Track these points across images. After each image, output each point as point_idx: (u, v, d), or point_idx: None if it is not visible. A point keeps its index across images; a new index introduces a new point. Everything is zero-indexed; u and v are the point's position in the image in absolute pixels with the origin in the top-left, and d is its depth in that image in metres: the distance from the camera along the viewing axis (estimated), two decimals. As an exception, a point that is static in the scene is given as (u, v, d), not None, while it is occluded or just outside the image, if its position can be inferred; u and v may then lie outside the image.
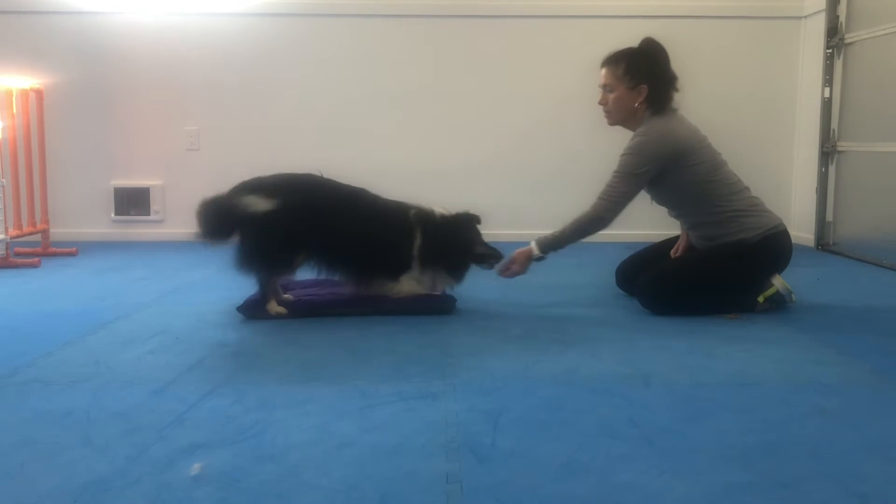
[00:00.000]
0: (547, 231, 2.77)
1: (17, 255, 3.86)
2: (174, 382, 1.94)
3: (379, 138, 4.71)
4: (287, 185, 2.70)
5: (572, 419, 1.70)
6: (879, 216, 3.95)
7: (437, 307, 2.74)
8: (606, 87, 2.78)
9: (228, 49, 4.64)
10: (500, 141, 4.73)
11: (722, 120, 4.65)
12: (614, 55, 2.77)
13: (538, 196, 4.72)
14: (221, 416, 1.71)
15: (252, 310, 2.66)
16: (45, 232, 4.13)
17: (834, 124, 4.35)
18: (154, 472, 1.42)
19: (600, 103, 2.83)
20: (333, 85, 4.68)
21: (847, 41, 4.24)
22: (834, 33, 4.31)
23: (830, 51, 4.34)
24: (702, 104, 4.74)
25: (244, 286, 2.75)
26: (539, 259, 2.78)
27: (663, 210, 2.93)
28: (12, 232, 3.80)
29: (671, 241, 3.07)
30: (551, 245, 2.75)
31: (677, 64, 2.82)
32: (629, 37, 2.85)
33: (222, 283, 3.29)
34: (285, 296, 2.81)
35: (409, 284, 2.77)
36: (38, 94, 4.16)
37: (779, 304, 2.76)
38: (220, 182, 4.90)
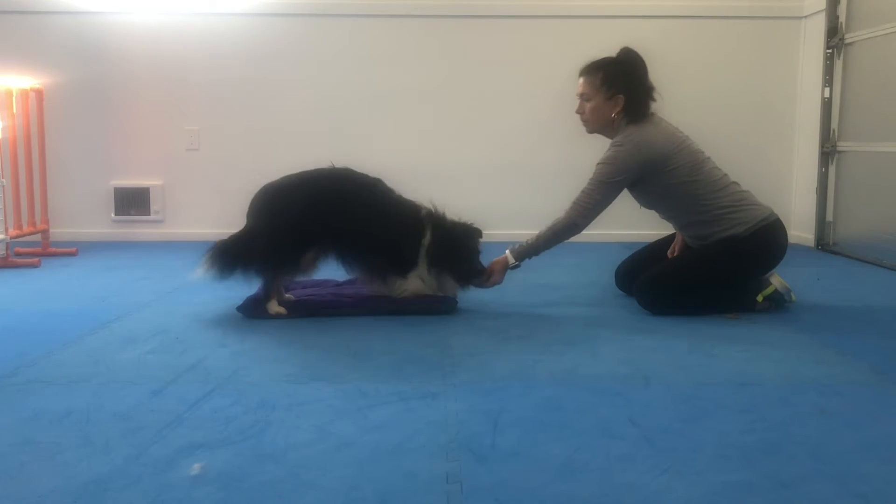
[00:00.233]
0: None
1: (17, 255, 3.86)
2: (174, 382, 1.94)
3: (379, 138, 4.71)
4: (299, 184, 2.72)
5: (572, 419, 1.70)
6: (879, 216, 3.96)
7: (438, 307, 2.74)
8: (584, 96, 2.80)
9: (228, 49, 4.64)
10: (500, 141, 4.73)
11: (722, 120, 4.67)
12: (592, 65, 2.79)
13: (539, 196, 4.71)
14: (221, 416, 1.71)
15: (252, 310, 2.66)
16: (45, 232, 4.14)
17: (834, 124, 4.35)
18: (154, 472, 1.42)
19: (577, 112, 2.85)
20: (333, 85, 4.68)
21: (847, 41, 4.24)
22: (834, 33, 4.31)
23: (830, 51, 4.34)
24: (702, 104, 4.77)
25: (243, 286, 2.75)
26: (514, 267, 2.80)
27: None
28: (12, 232, 3.80)
29: (669, 240, 3.07)
30: (526, 253, 2.79)
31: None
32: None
33: (222, 283, 3.29)
34: (286, 296, 2.81)
35: (415, 283, 2.77)
36: (38, 94, 4.16)
37: (778, 303, 2.76)
38: (220, 182, 4.93)
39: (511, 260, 2.79)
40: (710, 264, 2.71)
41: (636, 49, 2.80)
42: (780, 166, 4.77)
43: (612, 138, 2.79)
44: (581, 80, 2.81)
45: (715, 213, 2.69)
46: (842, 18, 4.28)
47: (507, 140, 4.73)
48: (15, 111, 3.92)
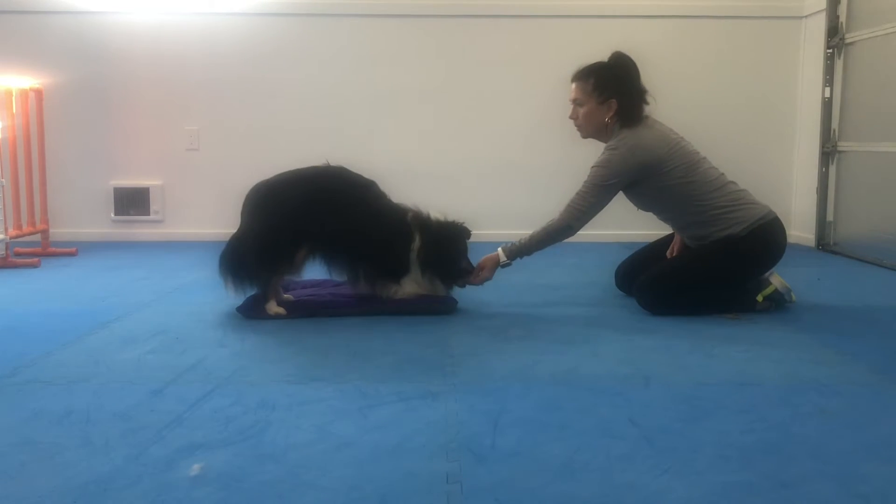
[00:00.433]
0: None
1: (17, 255, 3.86)
2: (174, 382, 1.94)
3: (379, 138, 4.71)
4: (292, 182, 2.71)
5: (572, 419, 1.70)
6: (879, 216, 3.95)
7: (437, 307, 2.74)
8: (577, 102, 2.81)
9: (228, 49, 4.64)
10: (499, 141, 4.73)
11: (722, 120, 4.67)
12: (584, 70, 2.79)
13: (538, 196, 4.71)
14: (221, 416, 1.71)
15: (252, 310, 2.66)
16: (44, 232, 4.13)
17: (834, 124, 4.35)
18: (154, 472, 1.42)
19: (571, 117, 2.85)
20: (333, 85, 4.68)
21: (847, 41, 4.24)
22: (834, 33, 4.30)
23: (831, 51, 4.33)
24: (702, 104, 4.77)
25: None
26: (505, 265, 2.80)
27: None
28: (12, 232, 3.81)
29: (669, 240, 3.07)
30: (518, 252, 2.78)
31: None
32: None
33: (222, 283, 3.29)
34: (285, 296, 2.81)
35: (411, 287, 2.77)
36: (38, 94, 4.16)
37: (778, 302, 2.76)
38: (220, 182, 4.93)
39: (502, 258, 2.79)
40: (710, 264, 2.71)
41: (633, 50, 2.80)
42: (780, 166, 4.77)
43: (606, 142, 2.79)
44: (573, 85, 2.81)
45: (711, 213, 2.69)
46: (842, 18, 4.27)
47: (506, 140, 4.73)
48: (15, 111, 3.92)
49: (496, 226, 4.29)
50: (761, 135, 4.75)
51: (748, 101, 4.73)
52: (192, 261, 3.86)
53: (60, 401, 1.80)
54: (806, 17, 4.61)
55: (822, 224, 4.43)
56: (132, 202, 4.74)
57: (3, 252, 3.64)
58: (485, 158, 4.74)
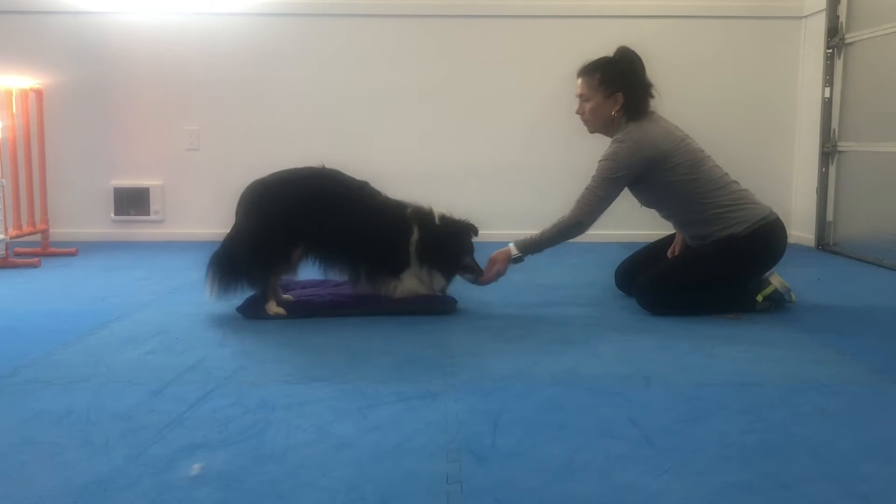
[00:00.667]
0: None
1: (17, 255, 3.86)
2: (174, 382, 1.94)
3: (378, 138, 4.71)
4: (287, 181, 2.71)
5: (572, 419, 1.70)
6: (879, 216, 3.95)
7: (437, 307, 2.74)
8: (583, 97, 2.81)
9: (228, 49, 4.64)
10: (499, 141, 4.73)
11: (722, 120, 4.67)
12: (589, 65, 2.80)
13: (538, 196, 4.72)
14: (221, 416, 1.71)
15: (252, 310, 2.66)
16: (44, 232, 4.13)
17: (834, 124, 4.35)
18: (154, 472, 1.42)
19: (577, 112, 2.86)
20: (333, 85, 4.68)
21: (847, 41, 4.24)
22: (834, 33, 4.31)
23: (830, 51, 4.33)
24: (702, 104, 4.76)
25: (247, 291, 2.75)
26: (517, 260, 2.79)
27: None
28: (12, 232, 3.81)
29: (669, 240, 3.07)
30: (530, 247, 2.78)
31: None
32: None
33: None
34: (285, 296, 2.81)
35: (411, 282, 2.77)
36: (38, 94, 4.16)
37: (778, 302, 2.75)
38: (220, 182, 4.93)
39: (514, 252, 2.77)
40: (710, 264, 2.71)
41: (635, 48, 2.80)
42: (780, 166, 4.77)
43: (611, 137, 2.80)
44: (579, 80, 2.82)
45: (714, 211, 2.70)
46: (842, 18, 4.28)
47: (506, 140, 4.73)
48: (15, 111, 3.92)
49: (496, 226, 4.28)
50: (761, 135, 4.75)
51: (748, 101, 4.73)
52: (192, 261, 3.85)
53: (60, 401, 1.80)
54: (806, 17, 4.61)
55: (821, 224, 4.43)
56: (132, 202, 4.74)
57: (3, 252, 3.64)
58: (485, 159, 4.73)
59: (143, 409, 1.75)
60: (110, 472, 1.42)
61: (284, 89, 4.69)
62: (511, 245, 2.79)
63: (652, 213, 2.92)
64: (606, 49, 2.83)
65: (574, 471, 1.43)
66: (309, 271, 2.86)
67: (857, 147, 4.18)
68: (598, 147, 2.85)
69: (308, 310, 2.70)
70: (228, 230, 2.78)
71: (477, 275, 2.80)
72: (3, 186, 3.66)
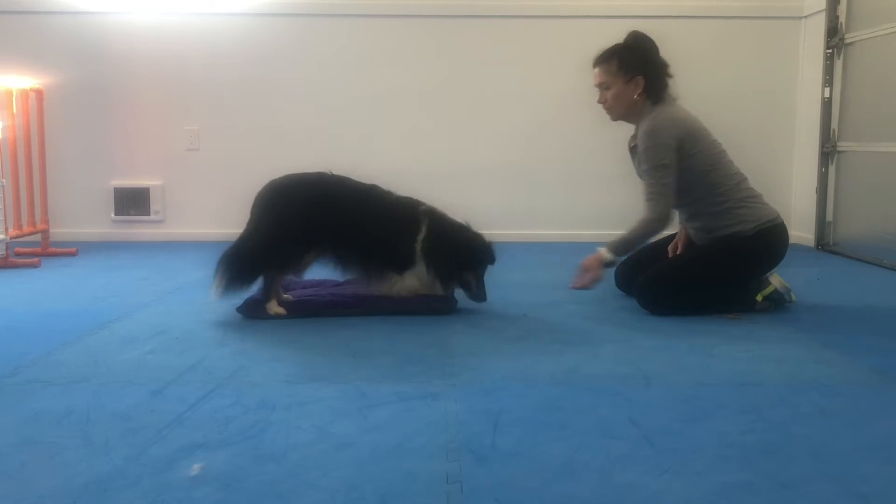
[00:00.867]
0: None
1: (17, 255, 3.86)
2: (174, 382, 1.94)
3: (378, 138, 4.71)
4: (302, 183, 2.74)
5: (572, 419, 1.70)
6: (879, 216, 3.95)
7: (437, 307, 2.74)
8: (603, 86, 2.81)
9: (228, 49, 4.64)
10: (500, 141, 4.73)
11: (722, 120, 4.61)
12: (605, 53, 2.80)
13: (539, 196, 4.72)
14: (221, 416, 1.71)
15: (252, 310, 2.66)
16: (45, 232, 4.13)
17: (834, 124, 4.35)
18: (154, 472, 1.42)
19: (599, 102, 2.85)
20: (334, 85, 4.68)
21: (847, 41, 4.24)
22: (834, 33, 4.31)
23: (830, 51, 4.34)
24: (702, 104, 4.71)
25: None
26: (611, 263, 2.74)
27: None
28: (12, 232, 3.80)
29: (669, 240, 3.07)
30: (622, 249, 2.74)
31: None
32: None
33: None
34: (285, 296, 2.81)
35: (411, 281, 2.76)
36: (38, 94, 4.16)
37: (778, 303, 2.76)
38: (220, 182, 4.93)
39: (607, 255, 2.72)
40: (711, 264, 2.71)
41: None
42: (780, 166, 4.77)
43: (636, 123, 2.80)
44: (596, 70, 2.81)
45: (726, 206, 2.70)
46: (842, 18, 4.28)
47: (505, 140, 4.73)
48: (15, 111, 3.92)
49: (495, 226, 4.28)
50: (761, 135, 4.75)
51: (748, 100, 4.73)
52: (192, 261, 3.86)
53: (60, 401, 1.80)
54: (806, 17, 4.61)
55: (821, 224, 4.43)
56: (132, 202, 4.74)
57: (4, 252, 3.64)
58: (484, 159, 4.73)
59: (143, 409, 1.75)
60: (110, 472, 1.42)
61: (284, 89, 4.69)
62: (602, 249, 2.73)
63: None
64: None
65: (574, 471, 1.43)
66: (313, 271, 2.86)
67: (857, 147, 4.18)
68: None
69: (308, 310, 2.70)
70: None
71: (476, 296, 2.76)
72: (3, 186, 3.66)
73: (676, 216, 2.98)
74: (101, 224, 4.74)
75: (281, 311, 2.66)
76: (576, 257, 3.93)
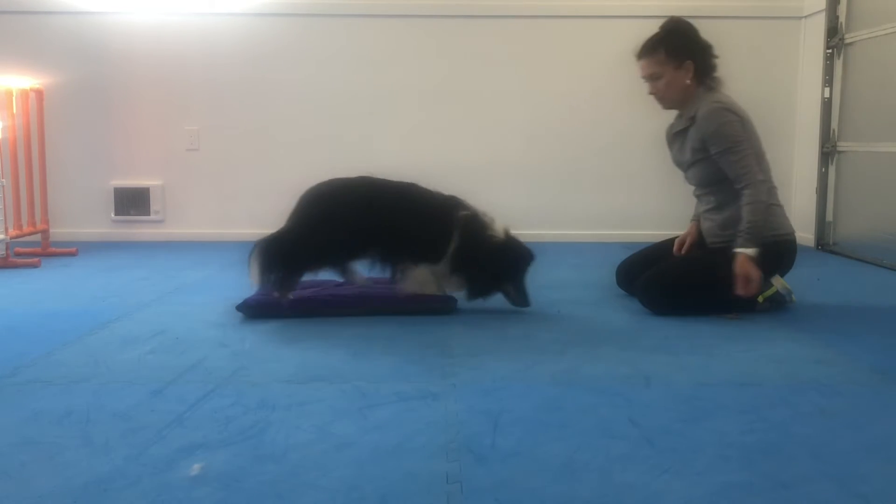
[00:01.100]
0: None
1: (17, 255, 3.86)
2: (174, 382, 1.94)
3: (378, 138, 4.71)
4: (345, 186, 2.79)
5: (572, 419, 1.70)
6: (879, 216, 3.96)
7: (437, 307, 2.74)
8: (653, 76, 2.80)
9: (228, 49, 4.64)
10: (501, 141, 4.73)
11: (722, 120, 4.67)
12: (649, 44, 2.80)
13: (539, 196, 4.72)
14: (221, 416, 1.71)
15: (252, 310, 2.66)
16: (45, 232, 4.13)
17: (834, 124, 4.35)
18: (154, 472, 1.42)
19: (650, 93, 2.84)
20: (334, 85, 4.68)
21: (847, 41, 4.24)
22: (834, 33, 4.31)
23: (830, 51, 4.34)
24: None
25: (244, 286, 2.75)
26: (755, 257, 2.62)
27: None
28: (12, 232, 3.80)
29: (672, 242, 3.06)
30: (757, 237, 2.60)
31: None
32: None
33: (222, 283, 3.30)
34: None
35: (425, 275, 2.73)
36: (38, 94, 4.16)
37: (778, 304, 2.76)
38: (220, 182, 4.92)
39: (752, 252, 2.59)
40: (717, 267, 2.70)
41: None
42: (780, 166, 4.72)
43: (685, 109, 2.80)
44: (642, 62, 2.81)
45: None
46: (842, 18, 4.28)
47: (505, 140, 4.72)
48: (15, 111, 3.92)
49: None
50: (761, 135, 4.73)
51: (748, 101, 4.63)
52: (192, 261, 3.86)
53: (60, 401, 1.80)
54: (805, 17, 4.61)
55: (821, 224, 4.43)
56: (132, 202, 4.74)
57: (4, 252, 3.64)
58: (484, 159, 4.73)
59: (143, 409, 1.75)
60: (110, 472, 1.42)
61: (284, 90, 4.69)
62: (743, 250, 2.59)
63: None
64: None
65: (574, 471, 1.43)
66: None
67: (857, 147, 4.18)
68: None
69: (309, 309, 2.70)
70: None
71: (517, 303, 2.75)
72: (3, 186, 3.66)
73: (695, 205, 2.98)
74: (101, 224, 4.74)
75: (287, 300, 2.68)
76: (574, 257, 3.94)
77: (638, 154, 4.58)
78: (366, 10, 4.63)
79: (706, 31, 4.74)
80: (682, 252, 2.95)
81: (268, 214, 4.77)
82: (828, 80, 4.36)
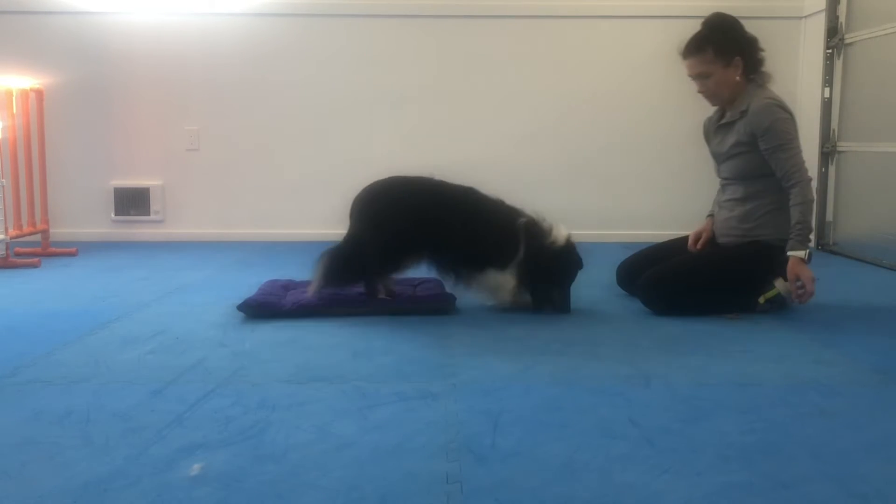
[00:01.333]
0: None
1: (17, 255, 3.86)
2: (174, 382, 1.94)
3: (379, 138, 4.71)
4: (402, 188, 2.81)
5: (572, 419, 1.70)
6: (879, 216, 3.96)
7: (437, 307, 2.74)
8: (702, 75, 2.77)
9: (228, 49, 4.64)
10: (501, 141, 4.73)
11: (722, 120, 4.67)
12: (695, 42, 2.76)
13: (541, 196, 4.70)
14: (221, 416, 1.71)
15: (252, 309, 2.66)
16: (45, 232, 4.13)
17: (834, 124, 4.35)
18: (154, 472, 1.42)
19: (700, 92, 2.83)
20: (334, 85, 4.68)
21: (847, 41, 4.24)
22: (834, 33, 4.31)
23: (830, 51, 4.34)
24: (702, 104, 4.75)
25: (244, 286, 2.76)
26: (810, 257, 2.62)
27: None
28: (12, 232, 3.80)
29: (673, 242, 3.06)
30: (806, 237, 2.61)
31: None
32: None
33: (222, 283, 3.30)
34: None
35: (495, 279, 2.72)
36: (38, 94, 4.16)
37: (780, 305, 2.75)
38: (220, 182, 4.92)
39: (802, 254, 2.59)
40: (720, 268, 2.69)
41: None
42: (780, 166, 4.76)
43: (734, 105, 2.77)
44: (689, 62, 2.78)
45: (781, 206, 2.67)
46: (842, 18, 4.28)
47: (506, 140, 4.72)
48: (15, 111, 3.92)
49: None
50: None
51: (748, 101, 4.72)
52: (192, 261, 3.86)
53: (60, 401, 1.80)
54: (805, 17, 4.61)
55: (821, 224, 4.43)
56: (132, 202, 4.74)
57: (4, 252, 3.64)
58: (484, 159, 4.72)
59: (143, 409, 1.75)
60: (110, 472, 1.42)
61: (284, 89, 4.69)
62: (794, 253, 2.57)
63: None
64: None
65: (574, 471, 1.43)
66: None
67: (857, 147, 4.18)
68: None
69: (308, 310, 2.70)
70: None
71: (560, 308, 2.75)
72: (3, 186, 3.66)
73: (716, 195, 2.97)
74: (101, 224, 4.74)
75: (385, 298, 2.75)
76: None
77: (638, 154, 4.57)
78: (366, 10, 4.63)
79: (706, 31, 4.74)
80: (697, 248, 2.93)
81: (267, 214, 4.82)
82: (828, 80, 4.36)
